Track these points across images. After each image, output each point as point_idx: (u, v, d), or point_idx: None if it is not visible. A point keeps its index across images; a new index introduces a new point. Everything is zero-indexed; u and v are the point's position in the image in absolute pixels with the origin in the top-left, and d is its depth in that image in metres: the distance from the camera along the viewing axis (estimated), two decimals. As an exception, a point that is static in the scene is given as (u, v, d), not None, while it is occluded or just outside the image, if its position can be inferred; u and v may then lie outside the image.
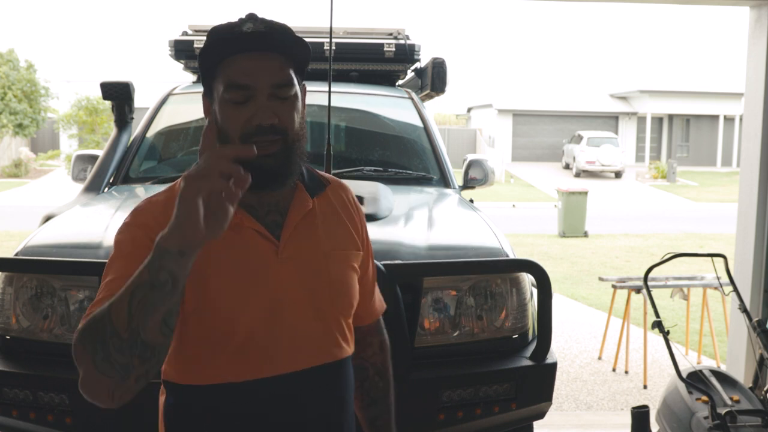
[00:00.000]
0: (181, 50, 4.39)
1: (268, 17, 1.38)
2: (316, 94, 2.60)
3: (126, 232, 1.35)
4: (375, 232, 2.29)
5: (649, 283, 4.28)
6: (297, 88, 1.39)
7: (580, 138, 29.72)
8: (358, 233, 1.53)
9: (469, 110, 42.78)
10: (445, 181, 3.60)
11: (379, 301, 1.66)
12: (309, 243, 1.42)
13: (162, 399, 1.45)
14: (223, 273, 1.35)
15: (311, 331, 1.40)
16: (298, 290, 1.39)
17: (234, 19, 1.37)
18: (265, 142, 1.33)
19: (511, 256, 2.59)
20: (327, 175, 1.57)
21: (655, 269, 3.61)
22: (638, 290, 5.36)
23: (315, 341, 1.40)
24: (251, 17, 1.36)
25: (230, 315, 1.34)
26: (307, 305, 1.39)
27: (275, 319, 1.36)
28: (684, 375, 3.34)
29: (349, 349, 1.48)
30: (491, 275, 2.51)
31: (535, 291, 2.55)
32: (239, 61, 1.34)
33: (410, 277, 2.42)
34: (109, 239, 2.51)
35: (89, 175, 3.54)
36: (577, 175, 28.81)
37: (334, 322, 1.44)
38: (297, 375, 1.38)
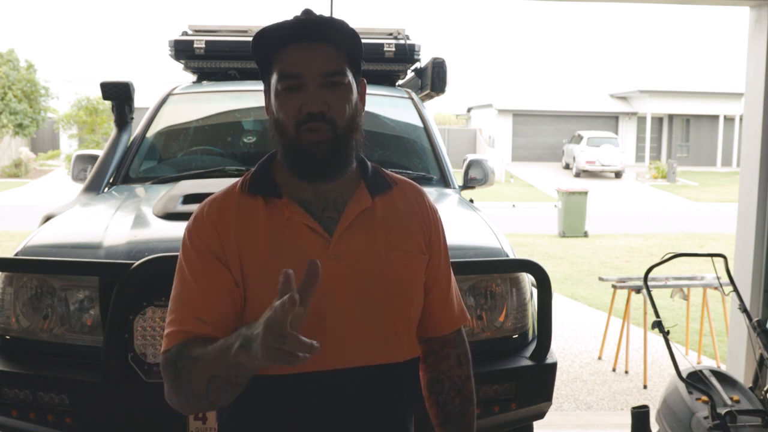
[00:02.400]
0: (181, 50, 4.39)
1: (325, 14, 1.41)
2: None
3: (187, 238, 1.41)
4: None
5: (649, 283, 4.28)
6: (350, 78, 1.41)
7: (580, 138, 29.71)
8: (424, 238, 1.49)
9: (469, 110, 42.78)
10: (445, 181, 3.60)
11: (458, 312, 1.57)
12: (364, 242, 1.40)
13: None
14: (269, 264, 1.34)
15: (358, 331, 1.37)
16: (346, 289, 1.36)
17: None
18: (316, 129, 1.35)
19: (511, 256, 2.59)
20: (398, 177, 1.55)
21: (655, 269, 3.61)
22: (638, 290, 5.36)
23: (361, 342, 1.38)
24: (306, 12, 1.40)
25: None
26: (355, 305, 1.37)
27: (320, 316, 1.33)
28: (684, 375, 3.34)
29: (405, 355, 1.44)
30: (491, 275, 2.51)
31: (535, 291, 2.55)
32: (290, 52, 1.37)
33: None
34: (109, 239, 2.52)
35: (89, 175, 3.53)
36: (577, 175, 28.81)
37: (385, 325, 1.40)
38: (340, 373, 1.36)
